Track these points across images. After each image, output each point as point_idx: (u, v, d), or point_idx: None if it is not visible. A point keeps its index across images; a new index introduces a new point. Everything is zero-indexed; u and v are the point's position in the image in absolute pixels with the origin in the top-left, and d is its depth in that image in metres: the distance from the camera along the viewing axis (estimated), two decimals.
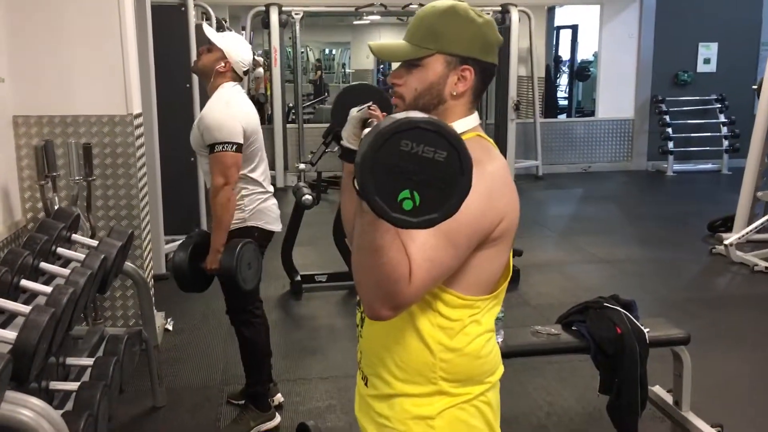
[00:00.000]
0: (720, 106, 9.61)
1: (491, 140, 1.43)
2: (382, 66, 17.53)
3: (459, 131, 1.35)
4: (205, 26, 3.38)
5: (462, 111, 1.41)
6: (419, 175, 1.06)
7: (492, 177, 1.31)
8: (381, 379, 1.42)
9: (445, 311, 1.36)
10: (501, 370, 1.49)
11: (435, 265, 1.24)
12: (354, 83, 1.63)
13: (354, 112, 1.44)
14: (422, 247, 1.23)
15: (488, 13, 1.42)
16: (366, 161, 1.05)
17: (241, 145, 2.84)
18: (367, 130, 1.23)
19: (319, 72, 10.72)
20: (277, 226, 3.14)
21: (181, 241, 3.05)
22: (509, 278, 1.44)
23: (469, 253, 1.31)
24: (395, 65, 1.46)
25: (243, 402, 3.22)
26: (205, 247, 2.93)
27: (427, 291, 1.28)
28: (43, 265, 2.50)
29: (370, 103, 1.46)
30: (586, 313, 3.02)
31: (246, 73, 3.03)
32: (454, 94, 1.38)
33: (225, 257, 2.83)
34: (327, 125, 8.55)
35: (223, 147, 2.80)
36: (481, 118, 1.51)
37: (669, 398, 3.24)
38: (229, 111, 2.86)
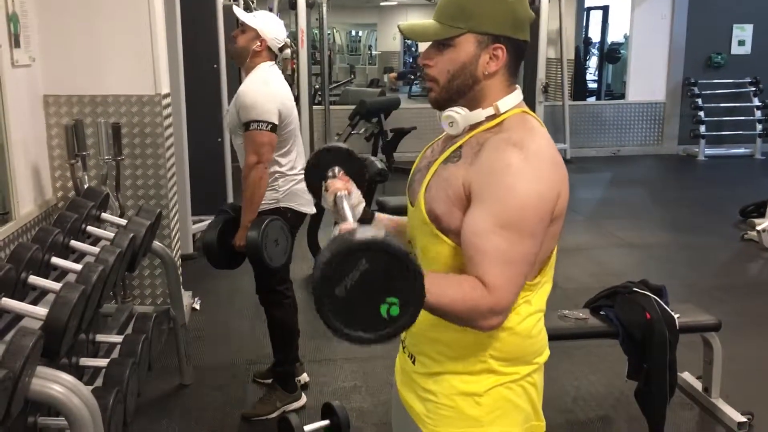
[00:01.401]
0: (754, 89, 9.40)
1: (535, 115, 1.41)
2: (407, 49, 17.43)
3: (503, 110, 1.36)
4: (235, 8, 3.37)
5: (501, 89, 1.38)
6: (373, 290, 1.10)
7: (538, 156, 1.29)
8: (430, 358, 1.42)
9: None
10: (548, 352, 1.49)
11: (515, 262, 1.25)
12: (322, 148, 1.70)
13: (326, 201, 1.53)
14: (495, 255, 1.24)
15: None
16: (331, 327, 1.12)
17: (276, 125, 2.84)
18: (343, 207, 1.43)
19: (327, 53, 10.66)
20: (310, 209, 3.13)
21: (213, 219, 3.04)
22: (554, 254, 1.42)
23: (545, 234, 1.31)
24: (423, 47, 1.44)
25: (270, 381, 3.24)
26: (235, 224, 2.93)
27: (520, 287, 1.29)
28: (74, 243, 2.53)
29: (328, 177, 1.57)
30: (614, 297, 2.98)
31: (282, 49, 3.02)
32: (487, 73, 1.36)
33: (250, 234, 2.82)
34: (353, 107, 8.56)
35: (258, 126, 2.80)
36: None
37: (698, 385, 3.20)
38: (266, 90, 2.87)
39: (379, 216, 1.66)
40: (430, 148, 1.50)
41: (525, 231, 1.26)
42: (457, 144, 1.38)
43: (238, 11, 3.07)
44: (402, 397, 1.52)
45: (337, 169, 1.63)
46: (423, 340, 1.43)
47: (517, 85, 1.41)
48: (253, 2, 8.76)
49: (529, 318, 1.39)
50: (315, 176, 1.65)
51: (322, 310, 1.12)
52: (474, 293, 1.24)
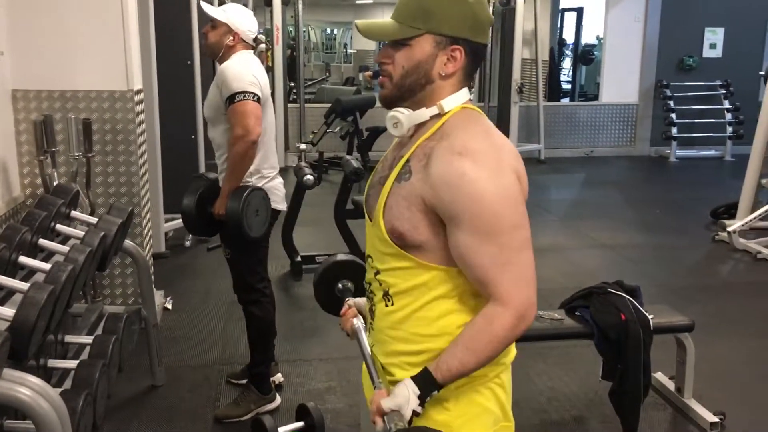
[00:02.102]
0: (725, 92, 9.53)
1: (478, 109, 1.41)
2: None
3: (448, 108, 1.36)
4: (203, 4, 3.31)
5: (451, 90, 1.37)
6: None
7: (483, 153, 1.29)
8: (397, 366, 1.42)
9: (466, 296, 1.36)
10: (514, 351, 1.49)
11: (515, 259, 1.28)
12: (325, 266, 1.86)
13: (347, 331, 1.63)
14: (495, 264, 1.27)
15: None
16: None
17: (260, 98, 2.80)
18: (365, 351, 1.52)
19: (290, 50, 10.60)
20: (283, 206, 3.10)
21: (190, 183, 2.97)
22: None
23: (526, 216, 1.33)
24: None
25: (244, 382, 3.20)
26: (214, 192, 2.89)
27: (532, 276, 1.30)
28: (42, 241, 2.47)
29: (337, 292, 1.77)
30: (589, 298, 2.99)
31: (256, 40, 2.97)
32: (443, 74, 1.35)
33: (231, 202, 2.78)
34: (328, 105, 8.53)
35: (244, 96, 2.74)
36: (484, 100, 1.50)
37: (671, 385, 3.23)
38: (248, 70, 2.82)
39: None
40: (381, 163, 1.49)
41: (507, 228, 1.26)
42: (405, 158, 1.36)
43: (206, 6, 3.00)
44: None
45: (342, 283, 1.76)
46: (391, 350, 1.43)
47: (466, 87, 1.40)
48: None
49: None
50: (325, 298, 1.79)
51: None
52: (495, 324, 1.28)
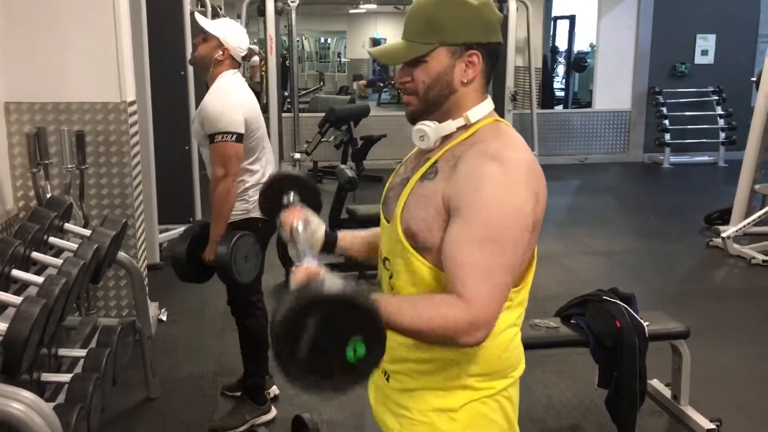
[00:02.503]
0: (717, 98, 9.59)
1: (507, 123, 1.41)
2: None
3: (474, 120, 1.36)
4: (198, 15, 3.32)
5: (475, 98, 1.37)
6: (333, 338, 1.10)
7: (515, 166, 1.28)
8: (404, 374, 1.40)
9: None
10: (523, 366, 1.47)
11: (496, 274, 1.23)
12: (274, 176, 1.80)
13: (284, 234, 1.56)
14: (474, 268, 1.23)
15: None
16: (304, 383, 1.12)
17: (242, 135, 2.80)
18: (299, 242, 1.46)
19: (281, 59, 10.65)
20: None
21: (181, 231, 2.98)
22: (533, 267, 1.41)
23: (531, 244, 1.29)
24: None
25: (239, 394, 3.19)
26: (205, 238, 2.88)
27: (502, 299, 1.26)
28: (35, 254, 2.46)
29: (284, 204, 1.62)
30: (585, 306, 2.99)
31: (245, 58, 2.98)
32: (465, 81, 1.35)
33: (220, 249, 2.77)
34: (323, 114, 8.54)
35: (224, 137, 2.75)
36: None
37: (667, 392, 3.23)
38: (229, 100, 2.82)
39: (343, 234, 1.64)
40: (404, 165, 1.48)
41: (506, 242, 1.24)
42: (432, 159, 1.36)
43: (200, 18, 3.01)
44: (376, 413, 1.50)
45: (292, 195, 1.64)
46: (399, 357, 1.41)
47: (488, 95, 1.40)
48: (221, 9, 8.70)
49: (505, 332, 1.38)
50: (269, 203, 1.68)
51: (290, 374, 1.11)
52: (450, 310, 1.21)
